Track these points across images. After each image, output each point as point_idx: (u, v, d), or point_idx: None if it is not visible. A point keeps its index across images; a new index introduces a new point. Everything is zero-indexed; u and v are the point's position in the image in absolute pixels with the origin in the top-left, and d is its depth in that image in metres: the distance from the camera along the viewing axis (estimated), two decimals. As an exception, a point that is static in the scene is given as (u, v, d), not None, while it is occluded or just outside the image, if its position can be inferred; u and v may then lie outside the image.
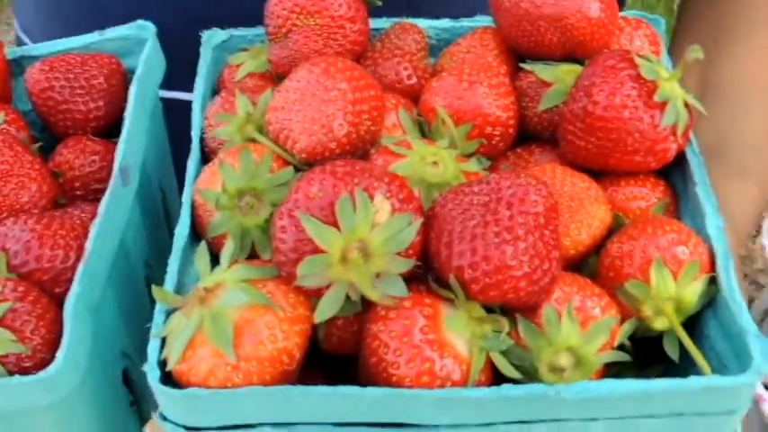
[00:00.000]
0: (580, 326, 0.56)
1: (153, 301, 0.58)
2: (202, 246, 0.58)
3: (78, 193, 0.74)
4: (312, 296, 0.56)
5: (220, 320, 0.54)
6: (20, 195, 0.69)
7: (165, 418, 0.55)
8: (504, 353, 0.56)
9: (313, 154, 0.63)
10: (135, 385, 0.70)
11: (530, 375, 0.56)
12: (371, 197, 0.55)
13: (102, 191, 0.70)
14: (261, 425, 0.55)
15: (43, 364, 0.59)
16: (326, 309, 0.55)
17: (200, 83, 0.74)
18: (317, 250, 0.55)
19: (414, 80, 0.73)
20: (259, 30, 0.78)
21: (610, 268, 0.60)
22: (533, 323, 0.56)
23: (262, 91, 0.70)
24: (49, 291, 0.63)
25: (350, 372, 0.59)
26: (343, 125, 0.63)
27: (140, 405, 0.71)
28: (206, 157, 0.70)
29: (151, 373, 0.55)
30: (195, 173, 0.66)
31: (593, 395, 0.53)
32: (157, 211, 0.79)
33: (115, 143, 0.73)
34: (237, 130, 0.68)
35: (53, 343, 0.60)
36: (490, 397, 0.53)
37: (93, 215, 0.66)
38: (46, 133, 0.78)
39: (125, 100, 0.76)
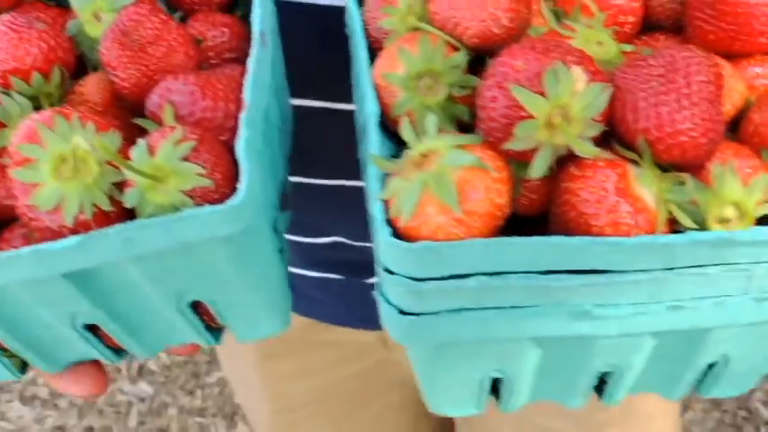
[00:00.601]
0: (741, 182, 0.64)
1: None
2: (405, 119, 0.63)
3: (213, 62, 0.78)
4: (512, 159, 0.62)
5: (444, 180, 0.60)
6: (171, 58, 0.72)
7: (390, 272, 0.61)
8: (681, 206, 0.63)
9: (483, 39, 0.69)
10: (280, 235, 0.75)
11: (701, 226, 0.63)
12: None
13: (236, 59, 0.74)
14: (477, 274, 0.61)
15: (224, 197, 0.64)
16: (539, 167, 0.61)
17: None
18: (524, 117, 0.60)
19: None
20: None
21: (754, 134, 0.68)
22: (702, 181, 0.64)
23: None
24: (214, 138, 0.68)
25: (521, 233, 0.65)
26: (507, 12, 0.68)
27: (283, 254, 0.77)
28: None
29: (382, 230, 0.60)
30: (366, 58, 0.71)
31: (764, 238, 0.61)
32: (283, 78, 0.83)
33: (239, 17, 0.77)
34: (401, 21, 0.72)
35: (231, 180, 0.66)
36: (681, 242, 0.60)
37: (242, 73, 0.71)
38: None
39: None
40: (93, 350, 0.76)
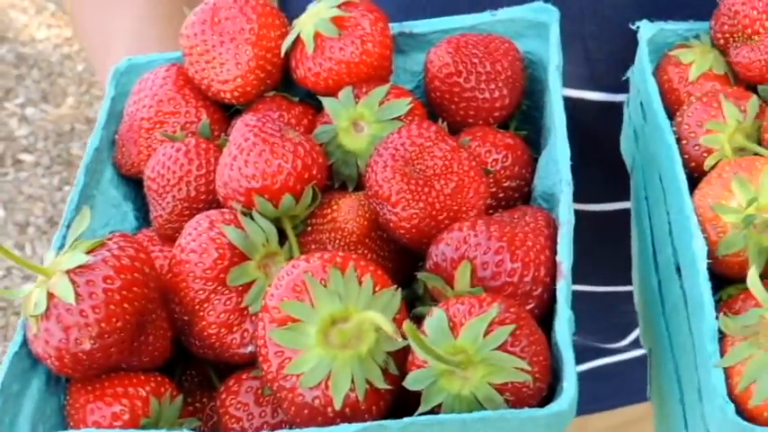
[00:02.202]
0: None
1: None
2: (753, 271, 0.50)
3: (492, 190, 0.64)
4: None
5: None
6: (461, 196, 0.59)
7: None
8: None
9: None
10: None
11: None
12: None
13: (515, 189, 0.60)
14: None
15: (538, 394, 0.52)
16: None
17: (645, 80, 0.64)
18: None
19: None
20: (691, 24, 0.67)
21: None
22: None
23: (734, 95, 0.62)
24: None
25: None
26: None
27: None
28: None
29: (724, 405, 0.49)
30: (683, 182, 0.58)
31: None
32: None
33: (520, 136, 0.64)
34: (728, 140, 0.59)
35: (547, 372, 0.53)
36: None
37: (548, 223, 0.58)
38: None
39: (523, 90, 0.66)
40: None
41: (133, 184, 0.72)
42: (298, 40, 0.67)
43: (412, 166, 0.59)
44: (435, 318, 0.52)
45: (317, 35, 0.66)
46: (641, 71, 0.67)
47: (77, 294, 0.55)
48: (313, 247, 0.63)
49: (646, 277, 0.69)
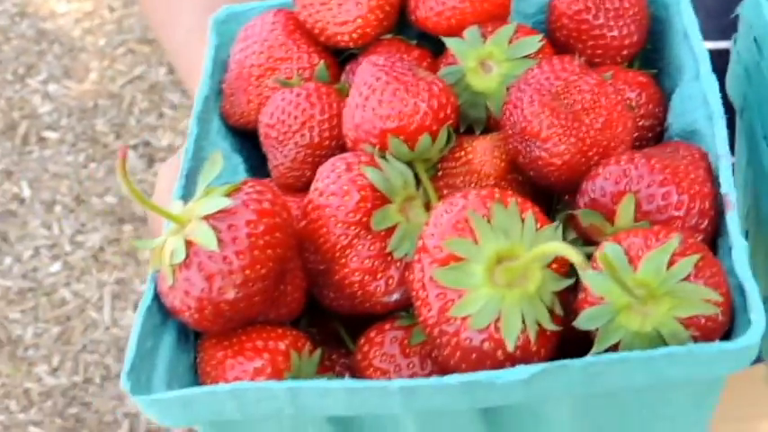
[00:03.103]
0: None
1: None
2: None
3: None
4: None
5: None
6: (610, 131, 0.57)
7: None
8: None
9: None
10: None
11: None
12: None
13: (649, 128, 0.60)
14: None
15: (722, 328, 0.50)
16: None
17: (761, 11, 0.62)
18: None
19: None
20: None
21: None
22: None
23: None
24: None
25: None
26: None
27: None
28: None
29: None
30: None
31: None
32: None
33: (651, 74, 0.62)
34: None
35: (729, 306, 0.50)
36: None
37: (704, 156, 0.56)
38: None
39: (647, 28, 0.64)
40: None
41: (240, 135, 0.69)
42: (419, -22, 0.64)
43: (559, 100, 0.56)
44: (610, 250, 0.50)
45: (440, -28, 0.63)
46: (755, 4, 0.65)
47: (220, 240, 0.52)
48: (445, 191, 0.60)
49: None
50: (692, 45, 0.61)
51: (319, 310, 0.60)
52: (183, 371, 0.57)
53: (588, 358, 0.48)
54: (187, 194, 0.61)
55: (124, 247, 1.95)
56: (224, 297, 0.53)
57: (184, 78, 0.89)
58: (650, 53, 0.68)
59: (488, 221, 0.51)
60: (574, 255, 0.47)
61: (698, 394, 0.52)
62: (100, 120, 2.13)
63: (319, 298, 0.59)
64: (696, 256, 0.49)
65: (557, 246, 0.48)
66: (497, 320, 0.50)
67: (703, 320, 0.49)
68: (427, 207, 0.58)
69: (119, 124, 2.12)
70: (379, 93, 0.58)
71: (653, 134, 0.63)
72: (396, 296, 0.57)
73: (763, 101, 0.66)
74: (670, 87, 0.65)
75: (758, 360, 0.52)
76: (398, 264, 0.56)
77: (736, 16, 0.68)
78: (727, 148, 0.55)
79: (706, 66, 0.59)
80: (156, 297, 0.56)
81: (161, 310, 0.56)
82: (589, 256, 0.51)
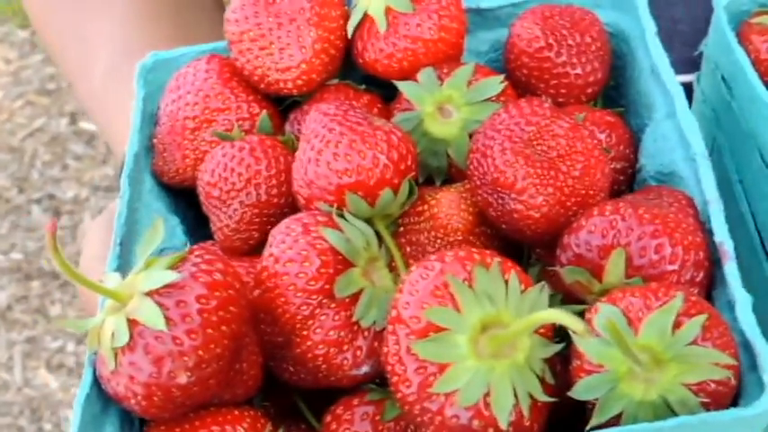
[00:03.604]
0: None
1: None
2: None
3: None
4: None
5: None
6: (588, 178, 0.53)
7: None
8: None
9: None
10: None
11: None
12: None
13: (620, 171, 0.57)
14: None
15: (731, 394, 0.45)
16: None
17: (731, 50, 0.59)
18: None
19: None
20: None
21: None
22: None
23: None
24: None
25: None
26: None
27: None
28: None
29: None
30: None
31: None
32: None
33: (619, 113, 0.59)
34: None
35: (738, 367, 0.46)
36: None
37: (689, 203, 0.52)
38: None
39: (610, 64, 0.60)
40: None
41: (175, 194, 0.63)
42: (365, 18, 0.59)
43: (533, 147, 0.52)
44: (610, 315, 0.45)
45: (388, 11, 0.59)
46: (722, 42, 0.61)
47: (168, 319, 0.47)
48: (408, 249, 0.55)
49: (751, 269, 0.62)
50: (662, 81, 0.57)
51: (274, 381, 0.54)
52: (128, 464, 0.51)
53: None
54: (123, 264, 0.54)
55: (33, 304, 1.85)
56: (175, 381, 0.47)
57: (103, 128, 0.83)
58: (611, 90, 0.64)
59: (470, 286, 0.46)
60: (574, 323, 0.42)
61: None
62: (1, 174, 2.04)
63: (277, 372, 0.53)
64: (702, 317, 0.44)
65: (552, 313, 0.43)
66: (487, 395, 0.45)
67: (713, 385, 0.44)
68: (391, 267, 0.53)
69: (21, 178, 2.03)
70: (333, 145, 0.53)
71: (625, 177, 0.59)
72: (365, 368, 0.51)
73: (737, 143, 0.62)
74: (638, 126, 0.61)
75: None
76: (366, 333, 0.51)
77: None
78: (717, 192, 0.51)
79: (681, 102, 0.55)
80: (96, 383, 0.50)
81: (101, 396, 0.50)
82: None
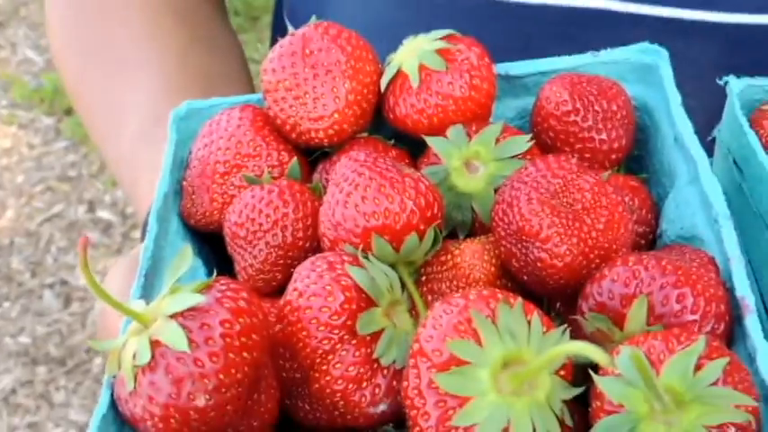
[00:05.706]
0: None
1: None
2: None
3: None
4: None
5: None
6: (612, 232, 0.53)
7: None
8: None
9: None
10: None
11: None
12: None
13: (642, 235, 0.58)
14: None
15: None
16: None
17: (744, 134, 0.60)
18: None
19: None
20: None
21: None
22: None
23: None
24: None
25: None
26: None
27: None
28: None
29: None
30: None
31: None
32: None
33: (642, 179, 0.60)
34: None
35: (758, 411, 0.46)
36: None
37: (710, 260, 0.53)
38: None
39: (634, 133, 0.61)
40: None
41: (199, 237, 0.63)
42: (398, 74, 0.61)
43: (558, 199, 0.53)
44: (627, 354, 0.45)
45: (421, 68, 0.60)
46: (734, 126, 0.62)
47: (191, 341, 0.47)
48: (430, 297, 0.56)
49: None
50: (686, 148, 0.58)
51: (289, 423, 0.54)
52: (140, 491, 0.50)
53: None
54: (146, 295, 0.55)
55: (37, 389, 1.83)
56: (193, 404, 0.47)
57: (128, 190, 0.84)
58: (633, 161, 0.65)
59: (493, 323, 0.46)
60: (598, 354, 0.42)
61: None
62: (15, 257, 2.05)
63: (292, 411, 0.53)
64: (724, 360, 0.44)
65: (576, 345, 0.44)
66: (506, 430, 0.45)
67: (734, 429, 0.44)
68: (411, 314, 0.54)
69: (35, 262, 2.04)
70: (362, 189, 0.54)
71: (645, 241, 0.60)
72: (382, 407, 0.51)
73: (746, 223, 0.63)
74: (659, 195, 0.62)
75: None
76: (385, 371, 0.51)
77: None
78: (739, 250, 0.52)
79: (705, 167, 0.56)
80: (113, 405, 0.49)
81: (117, 420, 0.50)
82: (596, 367, 0.47)
